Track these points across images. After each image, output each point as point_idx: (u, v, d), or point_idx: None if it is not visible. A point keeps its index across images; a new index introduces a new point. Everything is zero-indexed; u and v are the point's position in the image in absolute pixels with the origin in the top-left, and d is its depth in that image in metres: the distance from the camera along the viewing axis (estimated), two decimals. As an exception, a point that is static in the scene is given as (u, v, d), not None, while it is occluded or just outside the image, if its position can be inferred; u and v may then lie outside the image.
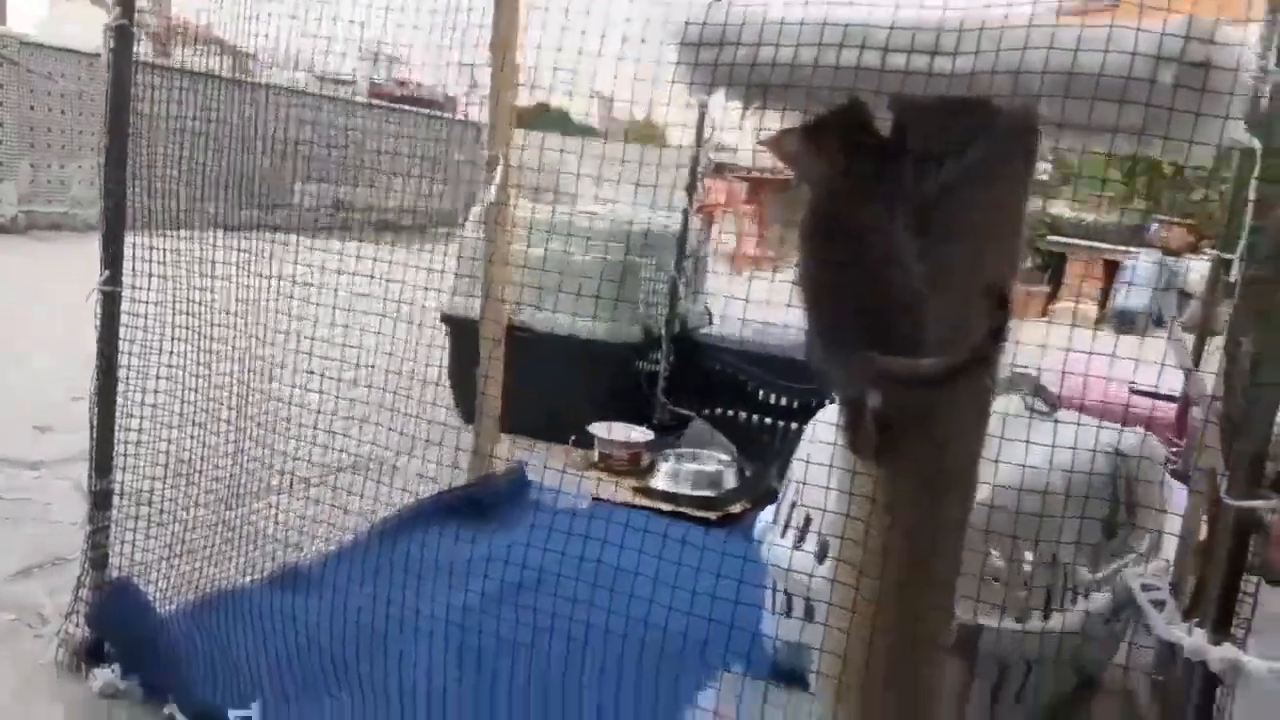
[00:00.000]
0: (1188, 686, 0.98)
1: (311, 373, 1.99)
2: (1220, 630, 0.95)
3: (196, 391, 1.96)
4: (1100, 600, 1.62)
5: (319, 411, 2.02)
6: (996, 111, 1.01)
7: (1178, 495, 1.85)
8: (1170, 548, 1.69)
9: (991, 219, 1.08)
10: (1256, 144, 1.06)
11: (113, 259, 1.69)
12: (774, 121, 1.21)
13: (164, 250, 1.92)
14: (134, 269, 1.82)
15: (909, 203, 1.02)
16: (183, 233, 1.99)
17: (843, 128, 1.02)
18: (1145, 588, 0.95)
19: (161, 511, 1.97)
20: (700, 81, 1.12)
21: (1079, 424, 1.66)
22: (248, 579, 2.01)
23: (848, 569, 1.18)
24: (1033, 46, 0.93)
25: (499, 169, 2.34)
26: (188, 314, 1.95)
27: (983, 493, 1.46)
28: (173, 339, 1.93)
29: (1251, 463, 0.92)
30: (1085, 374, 1.37)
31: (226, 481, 1.99)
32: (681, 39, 1.12)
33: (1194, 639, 0.93)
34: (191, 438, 1.97)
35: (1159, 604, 0.96)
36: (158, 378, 1.90)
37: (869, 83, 1.01)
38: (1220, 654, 0.93)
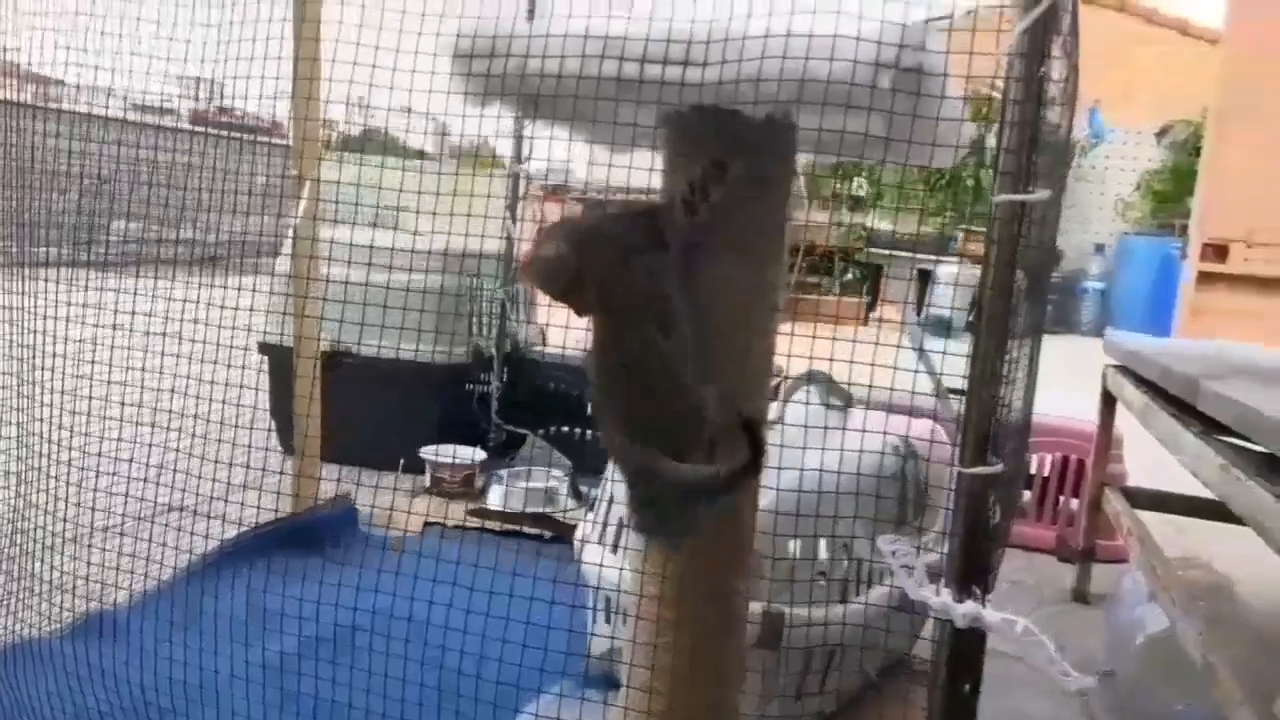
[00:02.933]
0: (940, 645, 1.06)
1: (117, 410, 1.89)
2: (964, 590, 1.03)
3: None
4: (890, 587, 1.73)
5: (127, 456, 1.92)
6: (751, 125, 1.08)
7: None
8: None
9: (758, 242, 1.15)
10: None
11: None
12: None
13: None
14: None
15: (678, 246, 1.06)
16: None
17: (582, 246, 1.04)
18: (895, 554, 1.03)
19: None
20: (474, 92, 1.15)
21: (866, 420, 1.77)
22: (48, 631, 1.89)
23: (638, 557, 1.22)
24: (769, 56, 1.00)
25: (306, 188, 2.29)
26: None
27: (776, 490, 1.55)
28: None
29: (978, 434, 1.02)
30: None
31: (14, 537, 1.87)
32: (454, 51, 1.15)
33: (940, 599, 1.02)
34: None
35: (909, 568, 1.04)
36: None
37: (629, 93, 1.07)
38: (963, 610, 1.01)
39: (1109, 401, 2.54)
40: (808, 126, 1.09)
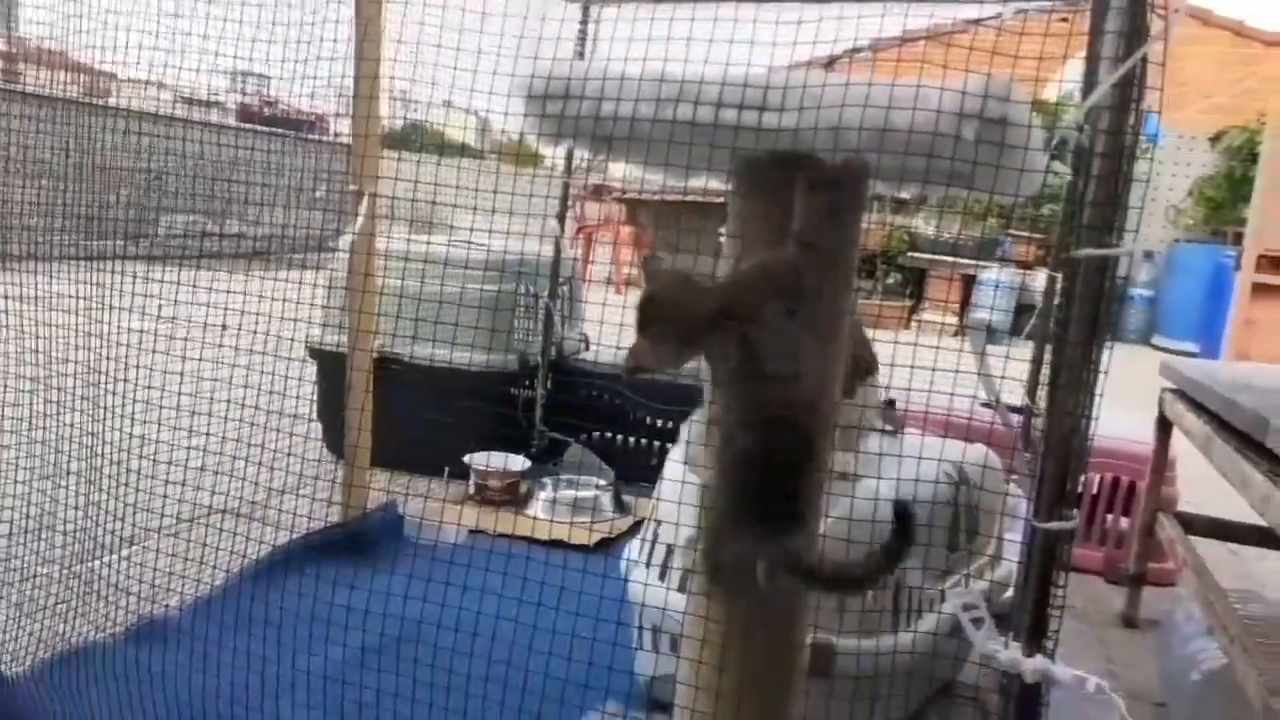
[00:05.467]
0: (1007, 697, 1.05)
1: (165, 411, 1.92)
2: (1033, 643, 1.02)
3: (43, 444, 1.88)
4: (945, 614, 1.72)
5: (175, 456, 1.95)
6: (828, 167, 1.07)
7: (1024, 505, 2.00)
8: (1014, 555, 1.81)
9: (833, 281, 1.14)
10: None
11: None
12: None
13: (5, 287, 1.84)
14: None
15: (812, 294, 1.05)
16: (31, 265, 1.91)
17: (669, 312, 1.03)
18: (965, 607, 1.02)
19: (7, 569, 1.89)
20: (547, 133, 1.15)
21: (921, 445, 1.76)
22: (105, 635, 1.93)
23: (701, 600, 1.22)
24: (850, 104, 0.99)
25: (364, 202, 2.31)
26: (33, 362, 1.88)
27: (830, 520, 1.54)
28: (15, 389, 1.85)
29: (1054, 488, 1.00)
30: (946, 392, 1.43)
31: (78, 535, 1.91)
32: (527, 92, 1.15)
33: (1009, 653, 1.01)
34: (40, 491, 1.90)
35: (978, 621, 1.03)
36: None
37: (704, 137, 1.06)
38: (1033, 665, 1.00)
39: (1165, 426, 2.50)
40: (888, 165, 1.07)
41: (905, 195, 1.33)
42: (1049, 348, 1.06)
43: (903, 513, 0.99)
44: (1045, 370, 1.06)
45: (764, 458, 1.00)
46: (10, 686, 1.68)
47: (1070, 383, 0.99)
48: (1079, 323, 0.98)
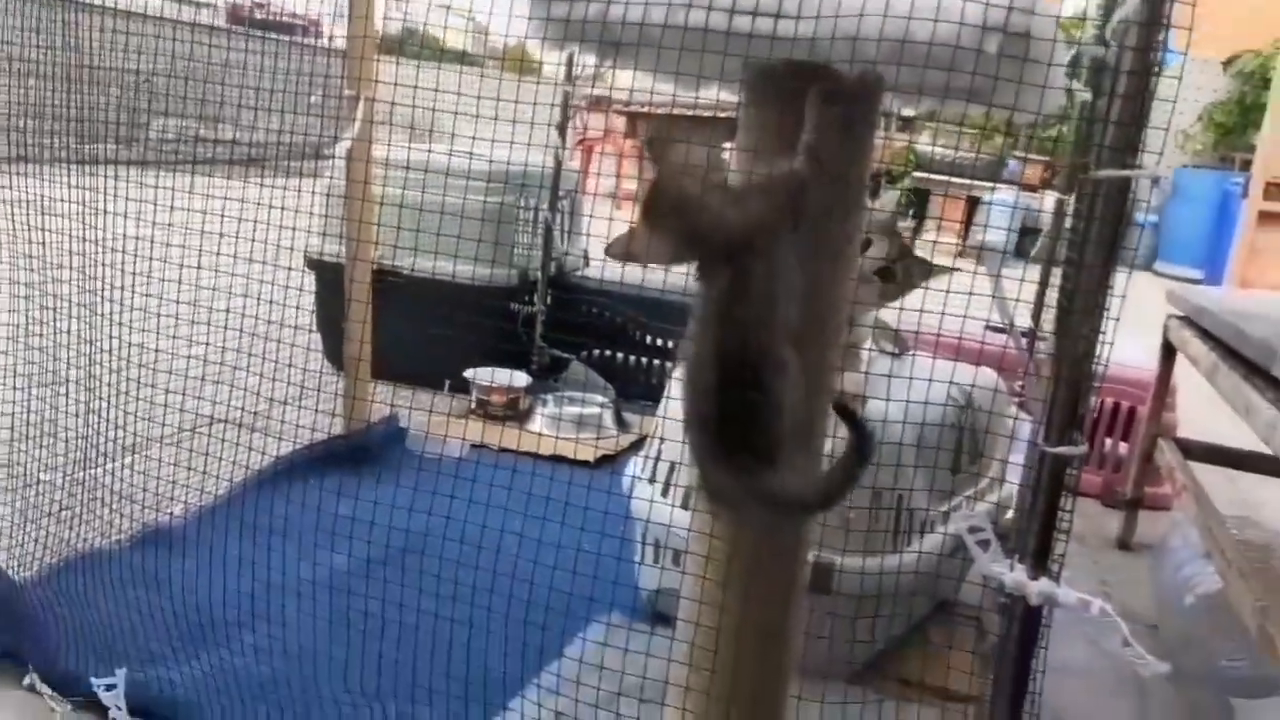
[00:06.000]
0: (1010, 617, 1.06)
1: (162, 319, 1.90)
2: (1039, 565, 1.03)
3: (41, 350, 1.87)
4: (947, 535, 1.73)
5: (175, 365, 1.93)
6: (842, 78, 1.04)
7: (1027, 428, 2.00)
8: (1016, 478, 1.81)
9: (844, 200, 1.11)
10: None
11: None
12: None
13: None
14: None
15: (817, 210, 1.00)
16: (22, 167, 1.88)
17: (670, 206, 0.97)
18: (972, 530, 1.02)
19: (10, 475, 1.89)
20: (553, 37, 1.11)
21: (932, 369, 1.74)
22: (110, 541, 1.95)
23: (705, 517, 1.22)
24: (869, 14, 0.95)
25: (360, 107, 2.26)
26: (27, 267, 1.85)
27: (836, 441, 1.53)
28: (10, 294, 1.83)
29: (1064, 413, 1.00)
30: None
31: (79, 443, 1.91)
32: (533, -9, 1.10)
33: (1014, 575, 1.01)
34: (39, 399, 1.89)
35: (984, 543, 1.03)
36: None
37: (716, 44, 1.02)
38: (1038, 588, 1.01)
39: (1169, 352, 2.49)
40: (906, 79, 1.04)
41: (914, 112, 1.29)
42: (1055, 270, 1.03)
43: (847, 412, 0.95)
44: (1050, 293, 1.04)
45: (729, 398, 0.95)
46: (19, 590, 1.70)
47: (1086, 306, 0.97)
48: (1097, 245, 0.96)
